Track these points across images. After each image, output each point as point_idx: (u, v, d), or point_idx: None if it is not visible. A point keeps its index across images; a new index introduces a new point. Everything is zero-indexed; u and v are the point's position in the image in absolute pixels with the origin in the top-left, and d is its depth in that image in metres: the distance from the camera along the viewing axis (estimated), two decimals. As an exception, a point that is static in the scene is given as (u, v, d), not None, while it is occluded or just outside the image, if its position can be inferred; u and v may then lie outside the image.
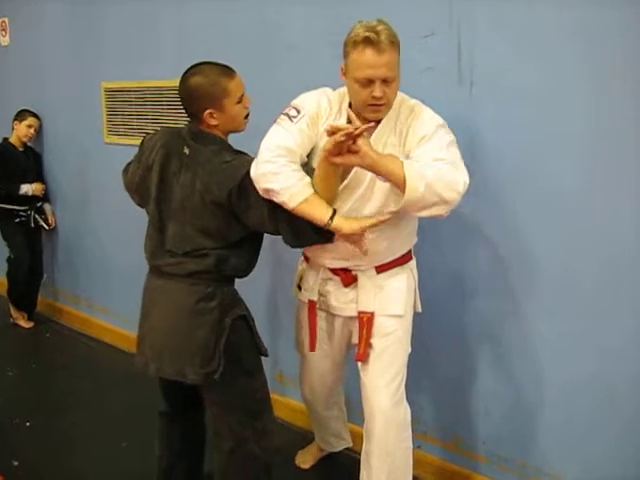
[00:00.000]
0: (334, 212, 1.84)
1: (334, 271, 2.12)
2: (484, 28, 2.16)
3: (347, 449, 2.71)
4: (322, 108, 1.97)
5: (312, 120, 1.94)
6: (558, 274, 2.15)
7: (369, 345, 2.08)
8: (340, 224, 1.83)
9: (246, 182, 1.84)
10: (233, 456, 2.07)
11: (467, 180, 1.84)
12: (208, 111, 1.90)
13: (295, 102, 1.99)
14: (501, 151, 2.19)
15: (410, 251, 2.17)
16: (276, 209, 1.84)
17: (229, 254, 1.95)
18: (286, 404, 3.03)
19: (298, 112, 1.93)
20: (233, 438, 2.05)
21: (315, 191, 1.83)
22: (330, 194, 1.85)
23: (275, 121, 1.94)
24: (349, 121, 1.92)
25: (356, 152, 1.74)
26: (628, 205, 1.99)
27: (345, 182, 1.93)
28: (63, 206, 4.40)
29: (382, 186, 1.90)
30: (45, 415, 3.15)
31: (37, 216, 4.32)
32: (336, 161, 1.77)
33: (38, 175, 4.36)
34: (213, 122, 1.93)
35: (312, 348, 2.25)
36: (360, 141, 1.74)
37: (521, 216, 2.20)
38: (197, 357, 1.92)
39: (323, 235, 1.87)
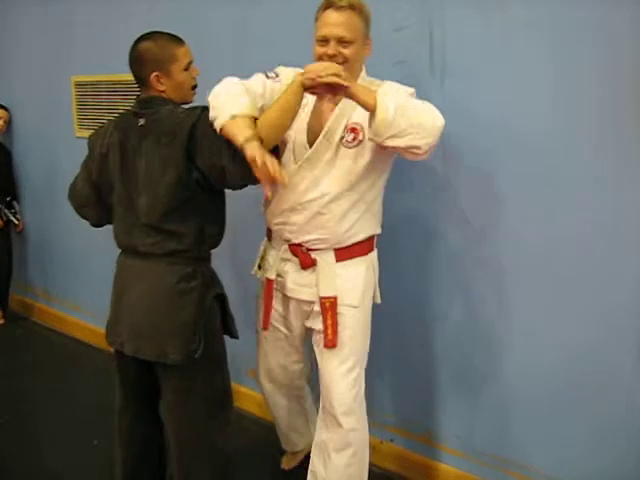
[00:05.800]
0: (256, 138, 1.69)
1: (294, 251, 2.09)
2: (455, 21, 2.17)
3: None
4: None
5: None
6: (525, 271, 2.17)
7: (336, 331, 2.04)
8: (251, 149, 1.67)
9: (203, 115, 1.81)
10: (196, 448, 2.00)
11: (443, 121, 1.79)
12: (155, 74, 1.90)
13: (277, 69, 2.03)
14: (473, 143, 2.20)
15: (372, 241, 2.13)
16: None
17: (203, 223, 1.91)
18: (259, 399, 3.01)
19: (277, 75, 1.99)
20: (196, 429, 1.99)
21: (256, 119, 1.77)
22: (278, 128, 1.79)
23: None
24: None
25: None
26: (591, 201, 2.01)
27: (311, 150, 1.96)
28: (33, 201, 4.35)
29: (347, 152, 1.94)
30: (17, 413, 3.11)
31: (7, 211, 4.28)
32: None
33: (8, 171, 4.29)
34: (160, 87, 1.92)
35: (265, 325, 2.23)
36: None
37: (488, 211, 2.22)
38: (179, 337, 1.89)
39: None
